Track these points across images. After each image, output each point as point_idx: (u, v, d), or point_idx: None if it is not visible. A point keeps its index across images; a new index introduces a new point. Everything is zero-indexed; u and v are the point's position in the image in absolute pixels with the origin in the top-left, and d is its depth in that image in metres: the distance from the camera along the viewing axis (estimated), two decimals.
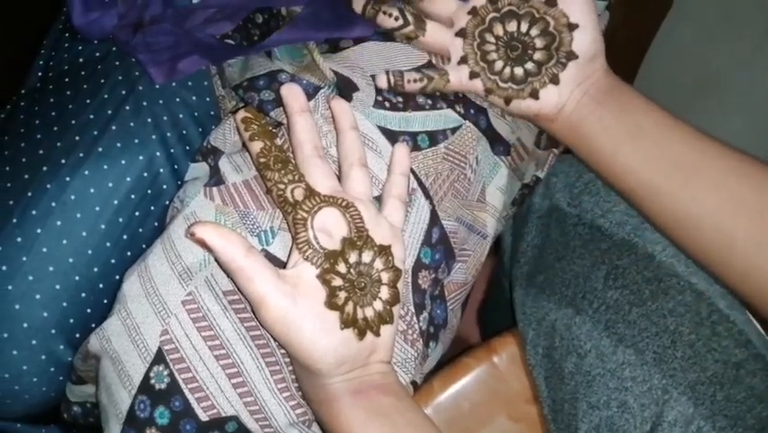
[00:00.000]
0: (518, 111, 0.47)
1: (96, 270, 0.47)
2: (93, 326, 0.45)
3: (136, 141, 0.48)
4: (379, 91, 0.47)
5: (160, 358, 0.41)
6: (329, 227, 0.40)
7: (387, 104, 0.47)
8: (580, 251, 0.53)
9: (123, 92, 0.49)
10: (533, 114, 0.47)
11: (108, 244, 0.48)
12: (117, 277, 0.48)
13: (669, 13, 0.68)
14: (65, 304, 0.47)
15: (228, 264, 0.38)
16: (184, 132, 0.50)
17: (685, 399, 0.46)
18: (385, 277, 0.40)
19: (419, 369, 0.47)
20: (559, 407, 0.53)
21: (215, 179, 0.45)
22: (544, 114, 0.46)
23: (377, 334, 0.40)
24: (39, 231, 0.46)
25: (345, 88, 0.47)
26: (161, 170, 0.49)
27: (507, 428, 0.60)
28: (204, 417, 0.41)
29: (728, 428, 0.44)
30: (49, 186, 0.47)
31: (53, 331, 0.47)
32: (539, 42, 0.46)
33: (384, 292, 0.40)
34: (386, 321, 0.40)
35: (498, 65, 0.47)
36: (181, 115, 0.51)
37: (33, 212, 0.46)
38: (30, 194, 0.47)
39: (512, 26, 0.47)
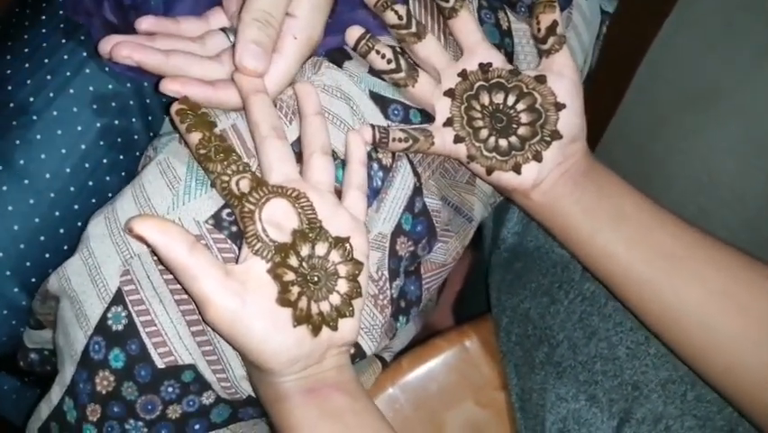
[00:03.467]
0: (498, 182, 0.46)
1: (57, 213, 0.46)
2: (50, 271, 0.43)
3: (110, 86, 0.46)
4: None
5: (118, 299, 0.39)
6: (278, 219, 0.38)
7: (383, 76, 0.46)
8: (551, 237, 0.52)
9: None
10: (511, 187, 0.46)
11: (72, 189, 0.46)
12: (79, 224, 0.46)
13: (668, 19, 0.67)
14: (22, 246, 0.45)
15: (170, 262, 0.35)
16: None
17: (655, 396, 0.45)
18: (343, 270, 0.38)
19: (384, 339, 0.46)
20: (527, 396, 0.52)
21: None
22: (522, 189, 0.46)
23: (334, 329, 0.37)
24: (0, 168, 0.44)
25: (336, 58, 0.45)
26: (134, 120, 0.47)
27: (473, 413, 0.59)
28: (160, 363, 0.39)
29: (697, 429, 0.43)
30: (14, 123, 0.45)
31: (8, 273, 0.45)
32: (524, 117, 0.45)
33: (342, 286, 0.38)
34: (344, 315, 0.38)
35: (484, 133, 0.46)
36: None
37: None
38: None
39: (499, 98, 0.46)
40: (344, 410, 0.38)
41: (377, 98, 0.45)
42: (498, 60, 0.46)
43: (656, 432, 0.44)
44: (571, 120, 0.45)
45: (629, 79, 0.72)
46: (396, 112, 0.46)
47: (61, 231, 0.46)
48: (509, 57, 0.49)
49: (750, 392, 0.39)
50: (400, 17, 0.45)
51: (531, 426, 0.51)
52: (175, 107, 0.39)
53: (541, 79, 0.45)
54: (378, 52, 0.45)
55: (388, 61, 0.45)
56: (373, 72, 0.46)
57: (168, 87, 0.39)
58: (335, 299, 0.38)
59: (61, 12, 0.48)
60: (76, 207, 0.46)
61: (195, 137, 0.39)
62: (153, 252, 0.39)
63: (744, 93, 0.62)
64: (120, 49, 0.39)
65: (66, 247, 0.46)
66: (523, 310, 0.54)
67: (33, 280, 0.46)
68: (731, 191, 0.64)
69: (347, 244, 0.39)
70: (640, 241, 0.42)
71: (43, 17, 0.48)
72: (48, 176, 0.45)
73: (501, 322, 0.56)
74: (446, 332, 0.63)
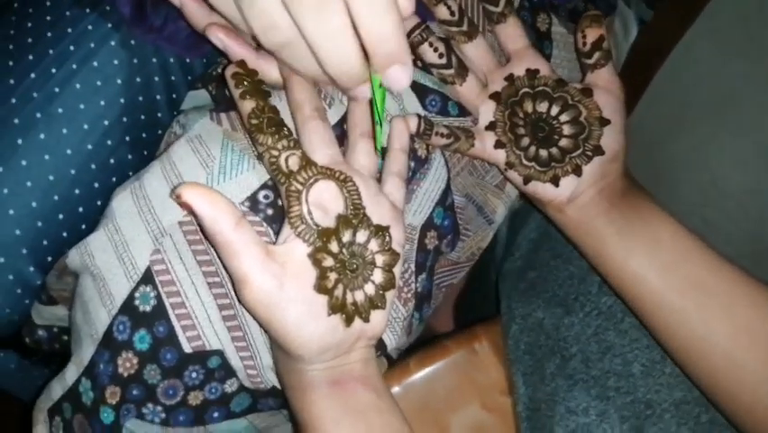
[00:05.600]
0: (533, 192, 0.46)
1: (77, 192, 0.45)
2: (67, 251, 0.42)
3: (135, 60, 0.45)
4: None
5: (148, 278, 0.38)
6: (325, 202, 0.37)
7: (419, 63, 0.45)
8: (578, 252, 0.51)
9: None
10: (546, 199, 0.45)
11: (93, 167, 0.45)
12: (99, 203, 0.45)
13: (692, 27, 0.67)
14: (40, 224, 0.44)
15: (214, 236, 0.34)
16: (187, 60, 0.47)
17: (668, 416, 0.45)
18: (380, 260, 0.38)
19: (403, 336, 0.45)
20: (536, 406, 0.52)
21: (223, 105, 0.42)
22: (557, 203, 0.45)
23: (366, 320, 0.37)
24: (19, 141, 0.43)
25: None
26: (158, 97, 0.46)
27: (478, 416, 0.59)
28: (187, 347, 0.39)
29: None
30: (35, 95, 0.43)
31: (24, 251, 0.44)
32: (567, 129, 0.44)
33: (377, 276, 0.37)
34: (377, 306, 0.37)
35: (525, 141, 0.45)
36: None
37: (16, 120, 0.43)
38: (13, 101, 0.43)
39: (542, 107, 0.45)
40: (369, 408, 0.37)
41: (416, 87, 0.44)
42: (545, 68, 0.45)
43: None
44: (613, 137, 0.44)
45: (645, 86, 0.72)
46: (433, 102, 0.45)
47: (81, 210, 0.45)
48: (548, 61, 0.49)
49: None
50: (452, 13, 0.44)
51: None
52: (231, 70, 0.38)
53: (587, 93, 0.45)
54: (431, 45, 0.44)
55: (440, 56, 0.44)
56: (414, 61, 0.45)
57: (215, 33, 0.37)
58: (370, 288, 0.37)
59: None
60: (96, 185, 0.45)
61: (248, 105, 0.37)
62: (195, 223, 0.38)
63: (759, 107, 0.62)
64: (215, 30, 0.37)
65: (84, 226, 0.45)
66: (535, 319, 0.53)
67: (50, 259, 0.45)
68: (737, 204, 0.64)
69: (387, 234, 0.38)
70: (674, 269, 0.42)
71: None
72: (69, 152, 0.44)
73: (510, 329, 0.56)
74: (455, 333, 0.62)
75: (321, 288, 0.35)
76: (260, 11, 0.31)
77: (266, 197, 0.39)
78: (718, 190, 0.65)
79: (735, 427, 0.42)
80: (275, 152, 0.36)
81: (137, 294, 0.38)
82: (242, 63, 0.38)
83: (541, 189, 0.45)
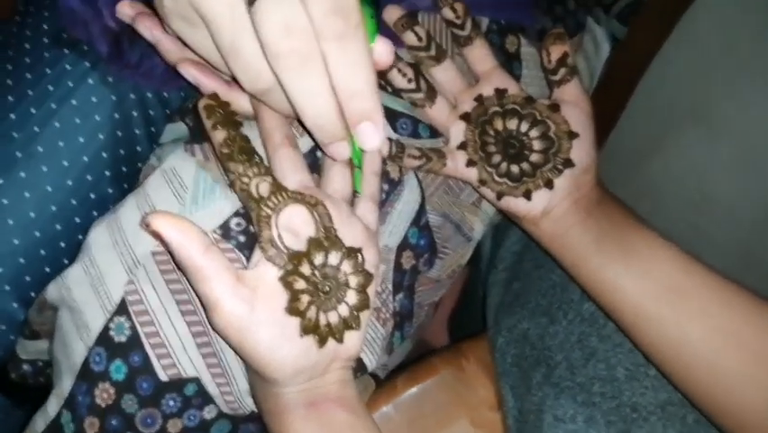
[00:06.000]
0: (507, 208, 0.47)
1: (58, 227, 0.45)
2: None
3: (113, 97, 0.46)
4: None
5: (122, 309, 0.39)
6: (295, 226, 0.37)
7: (388, 89, 0.46)
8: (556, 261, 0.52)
9: None
10: (521, 214, 0.46)
11: (74, 202, 0.45)
12: (80, 237, 0.46)
13: (669, 37, 0.68)
14: (22, 260, 0.44)
15: (183, 262, 0.35)
16: (165, 94, 0.48)
17: (655, 418, 0.45)
18: (353, 281, 0.38)
19: (384, 355, 0.46)
20: (524, 418, 0.52)
21: (199, 137, 0.43)
22: (531, 216, 0.46)
23: (339, 341, 0.37)
24: (0, 181, 0.44)
25: None
26: (137, 132, 0.47)
27: (468, 432, 0.59)
28: (163, 376, 0.39)
29: None
30: (15, 135, 0.44)
31: (7, 288, 0.44)
32: (537, 145, 0.46)
33: (351, 297, 0.38)
34: (351, 327, 0.38)
35: (497, 158, 0.46)
36: None
37: None
38: None
39: (512, 124, 0.46)
40: (345, 428, 0.37)
41: (386, 111, 0.45)
42: (513, 87, 0.47)
43: None
44: (583, 149, 0.45)
45: (627, 99, 0.73)
46: (404, 126, 0.46)
47: (62, 245, 0.46)
48: (516, 80, 0.50)
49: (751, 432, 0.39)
50: (420, 39, 0.45)
51: None
52: (203, 102, 0.39)
53: (555, 108, 0.46)
54: (399, 70, 0.45)
55: (409, 81, 0.45)
56: (381, 88, 0.46)
57: (187, 69, 0.38)
58: (344, 310, 0.38)
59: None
60: (77, 220, 0.46)
61: (220, 135, 0.38)
62: (166, 251, 0.38)
63: (740, 113, 0.63)
64: (187, 65, 0.39)
65: (66, 261, 0.46)
66: (520, 331, 0.54)
67: (33, 294, 0.45)
68: (723, 210, 0.65)
69: (359, 255, 0.38)
70: (648, 276, 0.42)
71: (45, 26, 0.48)
72: (49, 189, 0.45)
73: (497, 342, 0.56)
74: (442, 351, 0.63)
75: (292, 310, 0.35)
76: (244, 62, 0.32)
77: (238, 224, 0.40)
78: (705, 197, 0.65)
79: (716, 427, 0.43)
80: (246, 179, 0.37)
81: (112, 325, 0.39)
82: (214, 96, 0.39)
83: (514, 204, 0.46)
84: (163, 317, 0.39)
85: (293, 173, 0.39)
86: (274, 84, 0.33)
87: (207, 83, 0.39)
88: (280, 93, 0.33)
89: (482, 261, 0.68)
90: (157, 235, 0.34)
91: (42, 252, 0.45)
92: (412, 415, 0.59)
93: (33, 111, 0.45)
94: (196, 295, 0.37)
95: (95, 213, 0.47)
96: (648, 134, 0.72)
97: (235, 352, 0.38)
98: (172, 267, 0.39)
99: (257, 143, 0.40)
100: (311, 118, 0.34)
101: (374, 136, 0.34)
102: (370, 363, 0.44)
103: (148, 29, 0.39)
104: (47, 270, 0.46)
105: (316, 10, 0.31)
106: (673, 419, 0.45)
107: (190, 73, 0.38)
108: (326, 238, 0.37)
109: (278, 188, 0.37)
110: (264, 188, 0.37)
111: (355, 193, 0.41)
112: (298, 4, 0.30)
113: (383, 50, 0.35)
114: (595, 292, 0.45)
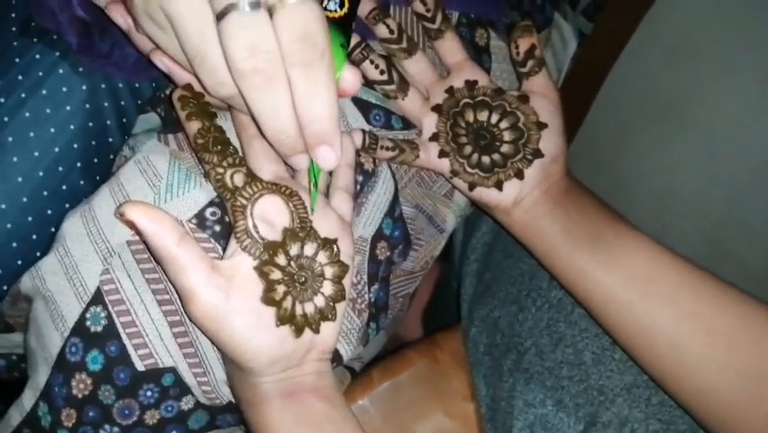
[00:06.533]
0: (479, 198, 0.47)
1: (30, 219, 0.45)
2: None
3: (84, 87, 0.46)
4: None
5: (98, 299, 0.38)
6: (271, 216, 0.38)
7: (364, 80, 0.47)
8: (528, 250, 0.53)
9: None
10: (493, 204, 0.47)
11: (45, 193, 0.45)
12: (53, 229, 0.45)
13: (634, 35, 0.69)
14: None
15: (158, 251, 0.35)
16: (137, 84, 0.48)
17: (620, 400, 0.46)
18: (329, 272, 0.38)
19: (359, 347, 0.46)
20: (496, 405, 0.53)
21: (171, 127, 0.43)
22: (502, 206, 0.47)
23: (316, 331, 0.37)
24: None
25: None
26: (108, 122, 0.47)
27: (443, 424, 0.59)
28: (140, 366, 0.39)
29: (661, 432, 0.44)
30: None
31: None
32: (507, 136, 0.47)
33: (327, 288, 0.38)
34: (327, 318, 0.38)
35: (468, 149, 0.47)
36: None
37: None
38: None
39: (483, 115, 0.47)
40: (322, 417, 0.38)
41: (359, 103, 0.46)
42: (483, 79, 0.47)
43: None
44: (552, 139, 0.46)
45: (594, 95, 0.74)
46: (377, 117, 0.47)
47: (34, 237, 0.45)
48: (487, 73, 0.51)
49: (718, 416, 0.40)
50: (392, 31, 0.46)
51: None
52: (178, 93, 0.39)
53: (524, 99, 0.47)
54: (372, 62, 0.46)
55: (381, 72, 0.46)
56: None
57: (160, 59, 0.38)
58: (320, 300, 0.38)
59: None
60: (49, 211, 0.45)
61: (194, 126, 0.38)
62: (141, 241, 0.38)
63: (705, 108, 0.64)
64: (159, 54, 0.38)
65: (38, 254, 0.45)
66: (492, 320, 0.55)
67: (5, 288, 0.44)
68: (691, 206, 0.66)
69: (335, 246, 0.39)
70: (617, 264, 0.43)
71: (12, 15, 0.48)
72: (20, 179, 0.44)
73: (469, 332, 0.57)
74: (417, 343, 0.63)
75: (268, 300, 0.36)
76: (209, 68, 0.33)
77: (213, 213, 0.40)
78: (673, 194, 0.66)
79: (683, 410, 0.44)
80: (220, 170, 0.37)
81: (88, 315, 0.38)
82: (188, 86, 0.39)
83: (486, 195, 0.47)
84: (139, 306, 0.39)
85: (268, 164, 0.39)
86: (237, 93, 0.34)
87: (179, 72, 0.39)
88: (243, 102, 0.34)
89: (455, 252, 0.69)
90: (131, 225, 0.35)
91: (14, 244, 0.45)
92: (388, 407, 0.60)
93: (2, 100, 0.44)
94: (172, 285, 0.37)
95: (66, 205, 0.46)
96: (615, 131, 0.73)
97: (212, 341, 0.39)
98: (148, 256, 0.39)
99: (231, 134, 0.41)
100: (271, 134, 0.34)
101: (331, 158, 0.35)
102: (346, 353, 0.44)
103: (121, 16, 0.39)
104: (19, 262, 0.45)
105: (285, 35, 0.31)
106: (638, 400, 0.46)
107: (163, 63, 0.38)
108: (302, 229, 0.38)
109: (252, 178, 0.38)
110: (239, 178, 0.38)
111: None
112: (267, 26, 0.31)
113: (350, 78, 0.36)
114: (565, 280, 0.46)
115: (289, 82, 0.32)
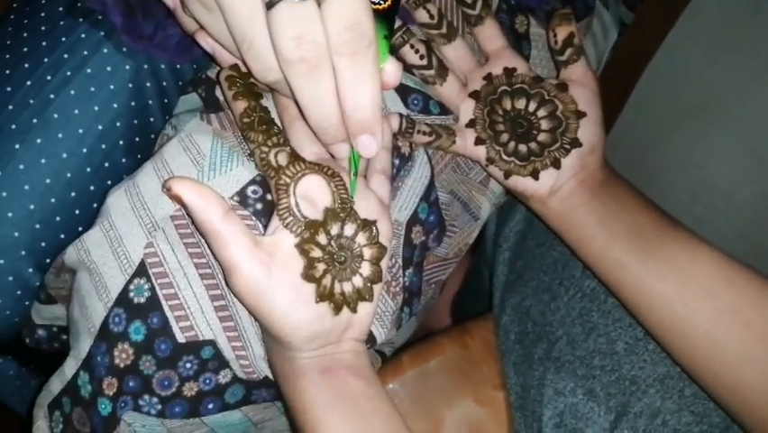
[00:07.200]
0: (514, 187, 0.47)
1: (73, 194, 0.46)
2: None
3: (127, 67, 0.47)
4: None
5: (141, 271, 0.39)
6: (313, 196, 0.38)
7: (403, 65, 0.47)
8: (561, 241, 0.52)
9: None
10: (528, 193, 0.47)
11: (88, 170, 0.46)
12: (95, 205, 0.47)
13: (672, 30, 0.69)
14: (38, 226, 0.45)
15: (203, 225, 0.36)
16: (178, 65, 0.49)
17: (653, 391, 0.46)
18: (367, 253, 0.39)
19: (392, 330, 0.46)
20: (526, 394, 0.52)
21: (213, 107, 0.44)
22: (538, 195, 0.46)
23: (353, 310, 0.38)
24: (17, 146, 0.44)
25: None
26: (150, 102, 0.48)
27: (472, 410, 0.59)
28: (181, 337, 0.40)
29: (694, 424, 0.44)
30: (31, 101, 0.45)
31: (23, 252, 0.45)
32: (545, 124, 0.46)
33: (365, 268, 0.39)
34: (364, 298, 0.38)
35: (505, 137, 0.47)
36: None
37: (13, 126, 0.45)
38: (10, 107, 0.45)
39: (521, 103, 0.47)
40: (358, 394, 0.38)
41: (398, 87, 0.46)
42: (522, 67, 0.47)
43: (653, 427, 0.45)
44: (590, 129, 0.46)
45: (631, 89, 0.73)
46: (416, 102, 0.47)
47: (77, 212, 0.46)
48: (525, 60, 0.51)
49: (754, 412, 0.40)
50: (432, 16, 0.46)
51: (528, 422, 0.52)
52: (225, 73, 0.40)
53: (562, 87, 0.46)
54: (412, 47, 0.46)
55: (421, 57, 0.46)
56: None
57: (205, 39, 0.39)
58: (358, 281, 0.38)
59: None
60: (92, 187, 0.47)
61: (240, 105, 0.39)
62: (186, 215, 0.39)
63: (743, 104, 0.63)
64: (204, 35, 0.39)
65: (80, 228, 0.47)
66: (523, 308, 0.55)
67: (48, 260, 0.46)
68: (726, 200, 0.65)
69: (374, 228, 0.39)
70: (654, 255, 0.43)
71: None
72: (65, 156, 0.45)
73: (501, 321, 0.57)
74: (448, 330, 0.63)
75: (308, 276, 0.36)
76: (256, 54, 0.33)
77: (255, 192, 0.41)
78: (707, 188, 0.65)
79: (717, 404, 0.43)
80: (265, 149, 0.38)
81: (131, 286, 0.39)
82: (235, 66, 0.40)
83: (522, 183, 0.46)
84: (182, 280, 0.40)
85: (309, 145, 0.40)
86: (283, 79, 0.34)
87: (224, 54, 0.40)
88: (288, 87, 0.34)
89: (487, 242, 0.68)
90: (177, 199, 0.36)
91: (58, 218, 0.46)
92: (417, 392, 0.60)
93: (49, 78, 0.46)
94: (215, 259, 0.38)
95: (108, 182, 0.47)
96: (652, 124, 0.72)
97: (252, 315, 0.39)
98: (191, 230, 0.40)
99: (275, 115, 0.42)
100: (315, 121, 0.35)
101: (372, 147, 0.36)
102: (380, 335, 0.45)
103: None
104: (62, 236, 0.46)
105: (333, 24, 0.32)
106: (671, 391, 0.45)
107: (208, 43, 0.39)
108: (342, 209, 0.38)
109: (296, 158, 0.39)
110: (283, 157, 0.38)
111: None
112: (315, 17, 0.31)
113: (392, 70, 0.36)
114: (600, 271, 0.46)
115: (334, 71, 0.33)
